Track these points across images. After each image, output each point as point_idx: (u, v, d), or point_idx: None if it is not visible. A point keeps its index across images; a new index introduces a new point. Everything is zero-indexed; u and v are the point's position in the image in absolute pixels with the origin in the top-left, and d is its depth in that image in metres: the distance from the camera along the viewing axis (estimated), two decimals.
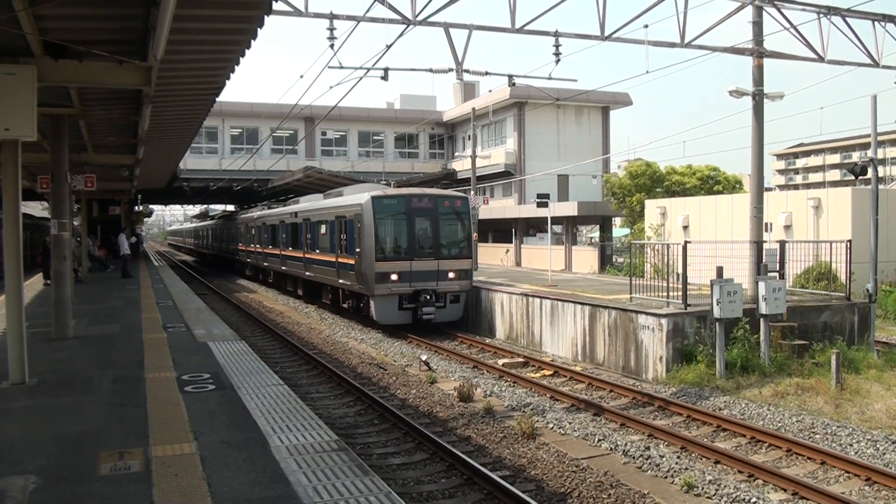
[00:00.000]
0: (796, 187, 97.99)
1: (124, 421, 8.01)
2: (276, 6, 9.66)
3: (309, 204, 31.44)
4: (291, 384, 14.25)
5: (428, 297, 22.82)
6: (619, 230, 44.02)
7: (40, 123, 10.34)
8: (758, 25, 18.36)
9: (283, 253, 34.40)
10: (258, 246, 40.63)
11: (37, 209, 53.42)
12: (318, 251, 28.42)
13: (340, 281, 25.55)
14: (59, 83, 11.16)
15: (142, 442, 7.20)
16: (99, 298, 21.05)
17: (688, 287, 16.82)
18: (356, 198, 24.25)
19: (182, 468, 6.44)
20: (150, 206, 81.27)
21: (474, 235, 26.12)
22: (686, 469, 10.42)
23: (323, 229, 27.79)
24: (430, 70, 21.32)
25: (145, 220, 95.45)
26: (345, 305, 26.57)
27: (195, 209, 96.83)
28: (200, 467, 6.46)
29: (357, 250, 23.25)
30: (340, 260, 25.21)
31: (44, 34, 9.63)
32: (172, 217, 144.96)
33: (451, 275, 23.24)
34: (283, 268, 34.58)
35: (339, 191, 29.12)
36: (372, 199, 22.92)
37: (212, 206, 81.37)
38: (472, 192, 32.93)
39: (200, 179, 49.40)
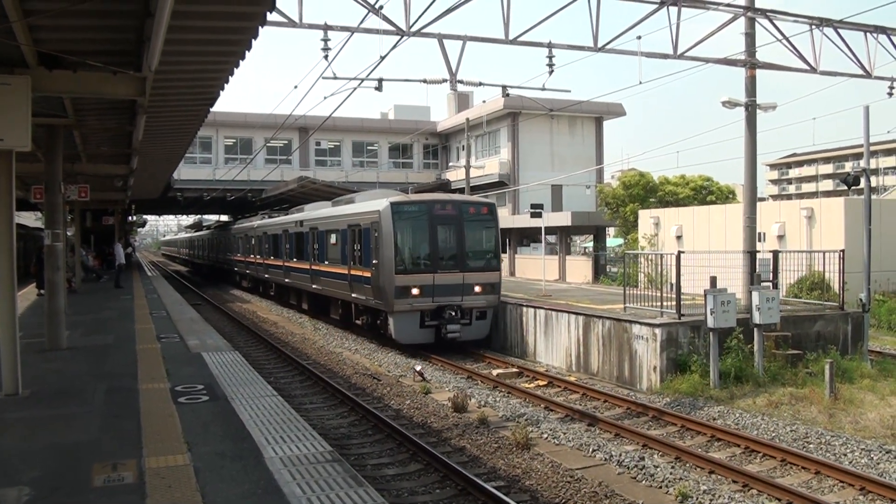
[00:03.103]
0: (789, 197, 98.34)
1: (118, 432, 7.99)
2: (270, 17, 9.67)
3: (316, 212, 29.73)
4: (285, 395, 14.20)
5: (453, 314, 20.83)
6: (612, 240, 44.18)
7: (34, 133, 10.33)
8: (750, 37, 18.47)
9: (286, 264, 32.56)
10: (258, 257, 38.86)
11: (30, 219, 53.32)
12: (327, 262, 26.57)
13: (353, 295, 23.51)
14: (54, 93, 11.18)
15: (135, 453, 7.17)
16: (92, 309, 20.98)
17: (681, 297, 16.84)
18: (373, 204, 22.30)
19: (176, 479, 6.42)
20: (144, 217, 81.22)
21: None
22: (680, 479, 10.42)
23: (333, 239, 25.90)
24: (424, 81, 21.33)
25: (139, 230, 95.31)
26: (358, 322, 24.34)
27: (189, 219, 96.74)
28: (194, 479, 6.44)
29: (374, 262, 21.24)
30: (353, 272, 23.22)
31: (38, 45, 9.64)
32: (166, 227, 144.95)
33: (477, 289, 21.26)
34: (287, 280, 32.65)
35: (349, 197, 27.45)
36: (391, 205, 20.85)
37: (205, 217, 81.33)
38: None
39: (194, 189, 49.32)
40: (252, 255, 40.73)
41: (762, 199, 45.74)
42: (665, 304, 17.21)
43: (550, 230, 35.24)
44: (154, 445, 7.43)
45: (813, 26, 18.79)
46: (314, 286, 28.30)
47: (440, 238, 21.31)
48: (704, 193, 39.70)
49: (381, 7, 14.88)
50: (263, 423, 8.35)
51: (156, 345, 14.25)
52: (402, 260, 20.82)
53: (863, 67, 19.68)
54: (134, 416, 8.61)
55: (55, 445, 7.53)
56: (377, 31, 15.80)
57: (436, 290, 20.82)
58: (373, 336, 23.25)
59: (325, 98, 25.31)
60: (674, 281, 17.25)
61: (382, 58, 16.26)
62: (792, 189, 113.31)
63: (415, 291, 20.58)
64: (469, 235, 21.70)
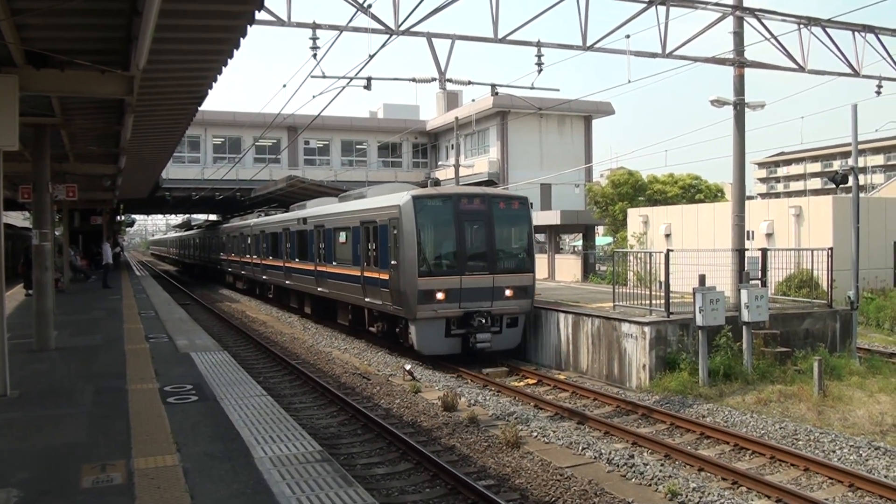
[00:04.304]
0: (777, 195, 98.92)
1: (107, 433, 7.95)
2: (258, 16, 9.65)
3: (321, 208, 27.56)
4: (274, 395, 14.17)
5: (483, 321, 18.60)
6: (601, 239, 44.29)
7: (22, 133, 10.27)
8: (739, 36, 18.53)
9: (287, 265, 30.38)
10: (255, 257, 36.82)
11: (18, 219, 53.06)
12: (334, 263, 24.21)
13: (368, 299, 21.20)
14: (41, 92, 11.14)
15: (124, 454, 7.14)
16: (81, 309, 20.88)
17: (670, 295, 16.89)
18: (391, 199, 20.03)
19: (165, 480, 6.40)
20: (133, 216, 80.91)
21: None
22: (670, 477, 10.44)
23: (342, 237, 23.65)
24: (413, 80, 21.29)
25: (127, 229, 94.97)
26: (372, 329, 21.98)
27: (177, 219, 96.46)
28: (183, 479, 6.42)
29: (393, 263, 19.09)
30: (367, 274, 21.00)
31: (26, 43, 9.60)
32: (154, 227, 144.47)
33: (508, 292, 19.08)
34: (288, 282, 30.41)
35: (359, 192, 25.64)
36: (413, 199, 18.65)
37: (194, 216, 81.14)
38: None
39: (182, 189, 49.20)
40: (248, 255, 38.79)
41: (751, 198, 45.98)
42: (654, 302, 17.25)
43: (540, 229, 35.27)
44: (143, 446, 7.40)
45: (801, 25, 18.88)
46: (319, 289, 26.18)
47: (468, 236, 19.16)
48: (693, 192, 39.89)
49: (369, 6, 14.87)
50: (253, 423, 8.33)
51: (144, 345, 14.19)
52: (425, 261, 18.66)
53: (851, 66, 19.79)
54: (123, 417, 8.58)
55: (44, 446, 7.50)
56: (366, 30, 15.81)
57: (463, 294, 18.70)
58: (392, 344, 21.29)
59: (313, 97, 25.19)
60: (663, 279, 17.30)
61: (371, 56, 16.25)
62: (780, 187, 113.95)
63: (440, 296, 18.48)
64: (499, 233, 19.55)
